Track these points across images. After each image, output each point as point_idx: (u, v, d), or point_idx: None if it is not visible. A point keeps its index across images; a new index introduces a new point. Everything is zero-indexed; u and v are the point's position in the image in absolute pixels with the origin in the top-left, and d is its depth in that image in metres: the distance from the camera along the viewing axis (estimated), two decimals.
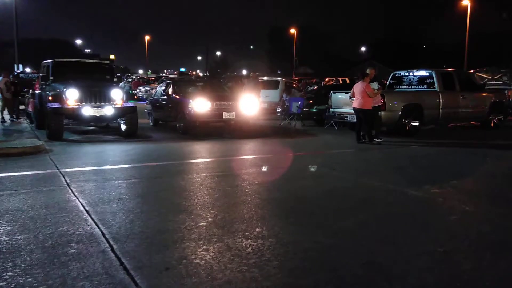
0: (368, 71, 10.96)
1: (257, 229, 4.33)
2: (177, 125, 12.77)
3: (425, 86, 13.24)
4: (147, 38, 70.24)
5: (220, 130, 13.16)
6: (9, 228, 4.32)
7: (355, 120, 11.18)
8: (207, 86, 15.10)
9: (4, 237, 4.07)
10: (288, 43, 64.42)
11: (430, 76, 13.11)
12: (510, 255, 3.75)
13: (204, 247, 3.85)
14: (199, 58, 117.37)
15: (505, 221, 4.76)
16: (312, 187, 6.25)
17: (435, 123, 13.28)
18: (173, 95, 13.33)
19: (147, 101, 16.20)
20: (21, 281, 3.16)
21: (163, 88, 14.51)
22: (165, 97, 13.79)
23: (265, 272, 3.34)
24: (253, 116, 13.18)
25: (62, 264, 3.45)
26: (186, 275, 3.28)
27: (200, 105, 11.93)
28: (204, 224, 4.49)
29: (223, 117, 12.17)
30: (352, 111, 11.23)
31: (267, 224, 4.50)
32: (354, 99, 10.79)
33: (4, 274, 3.28)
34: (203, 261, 3.55)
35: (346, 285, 3.15)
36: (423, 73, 13.52)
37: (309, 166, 7.91)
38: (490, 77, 18.73)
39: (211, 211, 4.96)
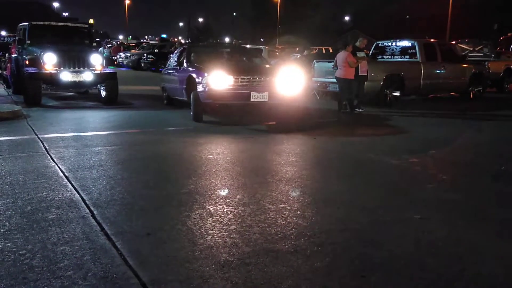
0: (359, 40, 11.00)
1: (238, 196, 4.36)
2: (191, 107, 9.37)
3: (407, 57, 13.29)
4: (127, 2, 68.24)
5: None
6: None
7: (338, 89, 11.20)
8: (231, 54, 11.54)
9: None
10: (272, 11, 63.42)
11: (413, 47, 13.15)
12: (482, 223, 3.87)
13: (186, 213, 3.87)
14: (181, 24, 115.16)
15: (479, 190, 4.89)
16: (294, 157, 6.29)
17: (416, 93, 13.40)
18: (186, 65, 10.14)
19: (162, 71, 12.80)
20: (0, 246, 3.14)
21: (177, 56, 11.31)
22: (178, 67, 10.67)
23: (246, 238, 3.38)
24: (295, 98, 9.30)
25: (41, 229, 3.44)
26: (167, 241, 3.30)
27: (217, 80, 8.47)
28: (186, 191, 4.50)
29: (251, 99, 8.66)
30: (334, 80, 11.24)
31: (249, 191, 4.53)
32: (337, 68, 10.80)
33: None
34: (185, 227, 3.57)
35: (324, 250, 3.22)
36: (405, 43, 13.55)
37: (291, 136, 7.94)
38: (471, 49, 18.78)
39: (193, 178, 4.97)
